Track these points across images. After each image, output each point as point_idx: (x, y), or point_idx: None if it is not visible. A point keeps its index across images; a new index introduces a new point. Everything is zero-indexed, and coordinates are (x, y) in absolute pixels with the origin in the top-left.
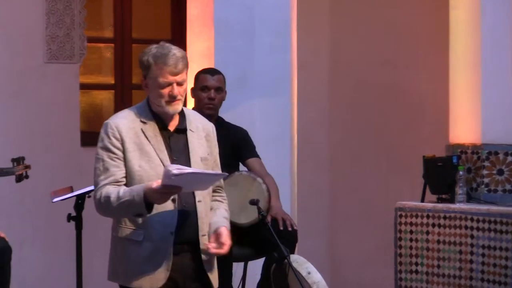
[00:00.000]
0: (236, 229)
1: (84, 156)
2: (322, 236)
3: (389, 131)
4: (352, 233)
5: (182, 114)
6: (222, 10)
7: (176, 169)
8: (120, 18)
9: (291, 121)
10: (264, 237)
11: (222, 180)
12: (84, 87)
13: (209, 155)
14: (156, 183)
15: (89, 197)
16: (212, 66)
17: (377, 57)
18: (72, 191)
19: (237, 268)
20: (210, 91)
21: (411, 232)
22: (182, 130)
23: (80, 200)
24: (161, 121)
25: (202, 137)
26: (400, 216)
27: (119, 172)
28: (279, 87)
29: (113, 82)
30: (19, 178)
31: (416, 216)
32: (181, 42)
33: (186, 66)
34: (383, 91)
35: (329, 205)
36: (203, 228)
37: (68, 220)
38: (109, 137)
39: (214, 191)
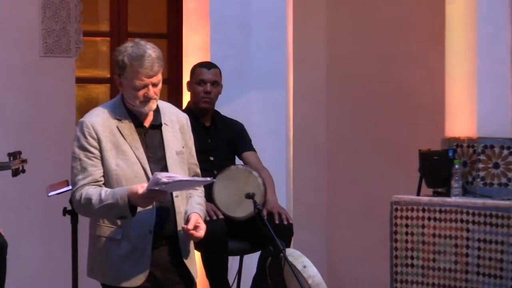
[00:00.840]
0: (232, 223)
1: None
2: (319, 230)
3: (386, 125)
4: (348, 227)
5: (156, 109)
6: (218, 4)
7: (165, 177)
8: (116, 11)
9: (287, 115)
10: (260, 231)
11: (198, 170)
12: (80, 81)
13: (184, 148)
14: (141, 187)
15: None
16: (208, 60)
17: (374, 51)
18: (68, 185)
19: (232, 262)
20: (206, 85)
21: (406, 225)
22: (157, 125)
23: None
24: (136, 118)
25: (176, 130)
26: (396, 210)
27: (97, 171)
28: (275, 81)
29: (109, 76)
30: (16, 173)
31: (412, 210)
32: (177, 36)
33: (161, 66)
34: (381, 85)
35: (326, 199)
36: (181, 222)
37: (64, 214)
38: (85, 136)
39: None
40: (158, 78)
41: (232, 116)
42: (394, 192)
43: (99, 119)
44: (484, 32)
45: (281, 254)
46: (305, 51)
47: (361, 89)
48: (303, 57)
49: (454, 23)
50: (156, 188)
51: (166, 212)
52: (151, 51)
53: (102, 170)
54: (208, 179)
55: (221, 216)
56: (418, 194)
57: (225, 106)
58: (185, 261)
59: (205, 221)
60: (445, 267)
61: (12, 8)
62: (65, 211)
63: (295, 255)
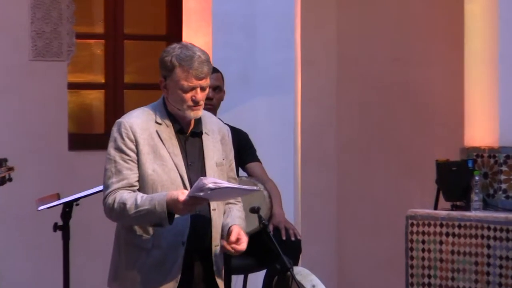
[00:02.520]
0: None
1: (72, 161)
2: (328, 245)
3: (400, 132)
4: (360, 241)
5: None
6: (221, 3)
7: (211, 182)
8: (111, 12)
9: (295, 121)
10: (265, 248)
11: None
12: (73, 86)
13: (225, 160)
14: (181, 193)
15: (77, 205)
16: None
17: (387, 53)
18: (58, 198)
19: (236, 280)
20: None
21: (423, 242)
22: (197, 133)
23: (67, 208)
24: (177, 124)
25: (217, 141)
26: (412, 224)
27: (132, 175)
28: (282, 85)
29: (103, 81)
30: (2, 181)
31: (429, 225)
32: (177, 38)
33: (210, 69)
34: (394, 89)
35: (336, 211)
36: (217, 237)
37: (55, 230)
38: (122, 138)
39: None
40: (207, 81)
41: (235, 123)
42: (409, 205)
43: (138, 121)
44: (506, 33)
45: (289, 272)
46: (313, 53)
47: (373, 93)
48: (312, 59)
49: (473, 24)
50: (201, 194)
51: (201, 223)
52: (200, 53)
53: (137, 175)
54: (255, 187)
55: None
56: (435, 207)
57: (228, 113)
58: (216, 278)
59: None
60: (464, 287)
61: None
62: (56, 227)
63: (303, 274)
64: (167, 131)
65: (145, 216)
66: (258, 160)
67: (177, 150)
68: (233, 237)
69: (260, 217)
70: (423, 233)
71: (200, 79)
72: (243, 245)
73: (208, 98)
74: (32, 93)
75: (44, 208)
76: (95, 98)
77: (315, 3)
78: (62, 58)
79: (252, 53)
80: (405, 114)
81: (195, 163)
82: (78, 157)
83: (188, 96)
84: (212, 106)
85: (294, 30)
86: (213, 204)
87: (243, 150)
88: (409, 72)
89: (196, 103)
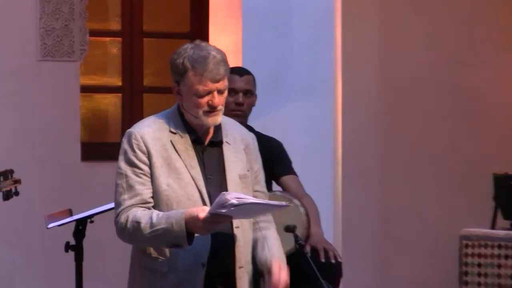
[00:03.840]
0: None
1: (85, 173)
2: (372, 268)
3: (451, 142)
4: (407, 264)
5: (217, 124)
6: None
7: (235, 198)
8: (128, 6)
9: (334, 130)
10: (302, 271)
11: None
12: (86, 89)
13: (249, 171)
14: (201, 210)
15: (91, 222)
16: (239, 64)
17: (437, 53)
18: (70, 214)
19: None
20: (237, 94)
21: (479, 265)
22: (216, 143)
23: (80, 226)
24: (194, 132)
25: (240, 150)
26: (466, 246)
27: (146, 191)
28: (319, 89)
29: (120, 84)
30: (7, 196)
31: (485, 246)
32: (202, 36)
33: (227, 70)
34: (444, 94)
35: (381, 230)
36: (241, 258)
37: (66, 250)
38: (133, 150)
39: None
40: (224, 83)
41: (268, 132)
42: (463, 224)
43: (150, 130)
44: None
45: None
46: (355, 53)
47: (420, 100)
48: (353, 61)
49: None
50: (223, 211)
51: (223, 243)
52: (215, 52)
53: (151, 190)
54: (284, 203)
55: None
56: (493, 227)
57: (260, 120)
58: None
59: None
60: None
61: (4, 3)
62: (67, 247)
63: None
64: (182, 141)
65: (161, 236)
66: (294, 173)
67: (194, 162)
68: (275, 277)
69: (296, 237)
70: (479, 255)
71: (217, 81)
72: (284, 277)
73: (238, 104)
74: (40, 97)
75: (55, 226)
76: (111, 102)
77: None
78: (73, 58)
79: (286, 53)
80: (458, 122)
81: (214, 176)
82: (92, 169)
83: (204, 101)
84: (242, 112)
85: (333, 28)
86: (236, 221)
87: (277, 161)
88: (462, 75)
89: (213, 108)
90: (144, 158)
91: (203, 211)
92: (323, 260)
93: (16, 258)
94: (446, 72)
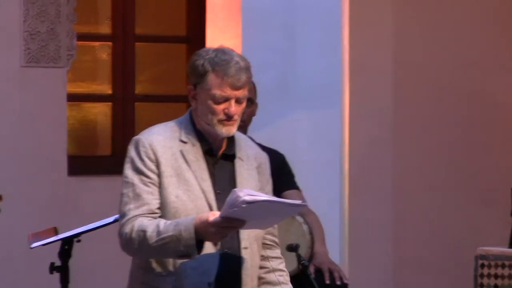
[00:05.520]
0: None
1: (73, 188)
2: None
3: (471, 153)
4: (421, 286)
5: (231, 137)
6: None
7: (247, 194)
8: (120, 8)
9: (342, 141)
10: None
11: (276, 227)
12: (73, 98)
13: (260, 191)
14: (211, 214)
15: (78, 241)
16: None
17: (457, 57)
18: (56, 233)
19: None
20: None
21: (495, 286)
22: (229, 156)
23: (66, 246)
24: (206, 143)
25: (253, 168)
26: (482, 266)
27: (154, 200)
28: (327, 96)
29: (110, 92)
30: None
31: (503, 266)
32: (199, 39)
33: (250, 79)
34: (465, 102)
35: (392, 250)
36: (247, 282)
37: (51, 272)
38: (141, 157)
39: (263, 243)
40: (244, 93)
41: (270, 143)
42: (480, 242)
43: (160, 138)
44: None
45: None
46: (365, 57)
47: (438, 106)
48: (363, 65)
49: None
50: (235, 210)
51: (231, 262)
52: (239, 58)
53: (159, 201)
54: (301, 202)
55: None
56: (511, 245)
57: (261, 131)
58: None
59: None
60: None
61: None
62: (52, 268)
63: None
64: (194, 151)
65: (169, 245)
66: (297, 188)
67: (205, 174)
68: None
69: (299, 257)
70: (496, 276)
71: (237, 88)
72: None
73: None
74: (24, 106)
75: (39, 245)
76: (100, 112)
77: None
78: (60, 64)
79: (291, 58)
80: (479, 132)
81: (225, 192)
82: (80, 184)
83: (220, 108)
84: (242, 122)
85: (341, 30)
86: (244, 242)
87: (279, 175)
88: (484, 81)
89: (229, 117)
90: (153, 167)
91: (213, 216)
92: (328, 281)
93: None
94: (465, 78)
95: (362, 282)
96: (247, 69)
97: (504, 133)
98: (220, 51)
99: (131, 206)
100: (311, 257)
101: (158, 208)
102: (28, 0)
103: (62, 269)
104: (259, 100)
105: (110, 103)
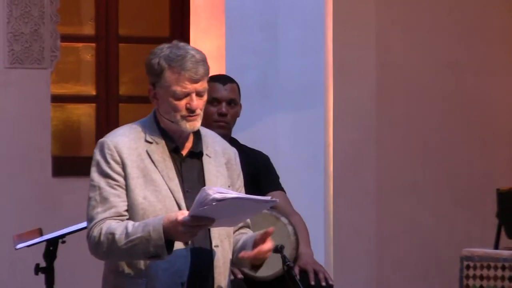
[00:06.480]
0: (254, 284)
1: (57, 189)
2: None
3: (453, 155)
4: (405, 286)
5: (197, 134)
6: None
7: (217, 192)
8: (103, 9)
9: (326, 142)
10: None
11: (249, 220)
12: (57, 99)
13: (230, 187)
14: (180, 214)
15: (63, 242)
16: (223, 72)
17: (438, 58)
18: (41, 234)
19: None
20: (220, 104)
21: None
22: (196, 154)
23: (51, 247)
24: (172, 141)
25: (221, 164)
26: (467, 267)
27: (121, 203)
28: (311, 97)
29: (94, 92)
30: None
31: (488, 268)
32: (183, 40)
33: (207, 71)
34: (447, 103)
35: (376, 251)
36: (220, 280)
37: (36, 273)
38: (106, 160)
39: (236, 231)
40: (204, 85)
41: (253, 144)
42: (465, 243)
43: (125, 140)
44: None
45: None
46: (348, 59)
47: (420, 108)
48: (346, 66)
49: None
50: (205, 208)
51: (202, 262)
52: (194, 52)
53: (126, 203)
54: (272, 198)
55: (239, 276)
56: (496, 246)
57: (244, 132)
58: None
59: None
60: None
61: None
62: (37, 269)
63: None
64: (159, 151)
65: (138, 247)
66: (282, 189)
67: (172, 173)
68: (258, 235)
69: (284, 258)
70: (481, 277)
71: (195, 81)
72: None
73: (221, 114)
74: (8, 107)
75: (24, 247)
76: (84, 113)
77: None
78: (44, 65)
79: (273, 58)
80: (461, 132)
81: (193, 190)
82: (64, 185)
83: (181, 104)
84: (226, 123)
85: (324, 31)
86: (215, 240)
87: (263, 176)
88: (465, 82)
89: (192, 112)
90: (119, 169)
91: (182, 215)
92: (313, 282)
93: None
94: (448, 79)
95: (346, 283)
96: (204, 61)
97: (487, 135)
98: (175, 46)
99: (99, 209)
100: (296, 258)
101: (126, 211)
102: (11, 1)
103: (47, 270)
104: (242, 100)
105: (94, 104)
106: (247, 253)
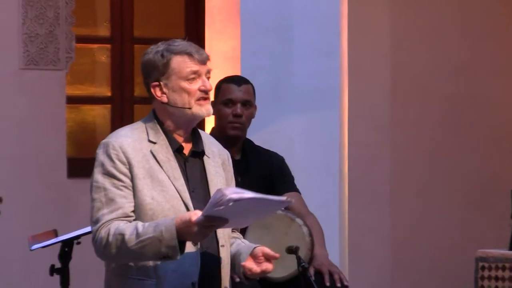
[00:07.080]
0: (269, 285)
1: (72, 191)
2: None
3: (467, 156)
4: None
5: (196, 134)
6: (250, 0)
7: (233, 193)
8: (118, 11)
9: (341, 145)
10: None
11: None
12: (72, 100)
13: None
14: (193, 214)
15: (78, 243)
16: (237, 73)
17: (452, 61)
18: (56, 235)
19: None
20: (235, 105)
21: None
22: (198, 153)
23: (66, 248)
24: (175, 142)
25: (219, 165)
26: (482, 268)
27: (128, 204)
28: (324, 99)
29: (109, 94)
30: None
31: (503, 269)
32: (197, 42)
33: (208, 56)
34: (460, 104)
35: (390, 252)
36: (225, 279)
37: (51, 274)
38: (112, 160)
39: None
40: (209, 68)
41: (268, 146)
42: (479, 245)
43: (129, 140)
44: None
45: None
46: (363, 61)
47: (434, 110)
48: (361, 69)
49: None
50: (221, 208)
51: (210, 263)
52: (192, 43)
53: (133, 204)
54: (287, 198)
55: (237, 280)
56: (511, 248)
57: (260, 133)
58: None
59: (233, 284)
60: None
61: None
62: (53, 270)
63: None
64: (164, 151)
65: (149, 247)
66: (297, 190)
67: (177, 173)
68: (258, 251)
69: (299, 259)
70: (496, 278)
71: (203, 62)
72: (270, 265)
73: (236, 115)
74: (23, 109)
75: (39, 248)
76: (99, 114)
77: (365, 1)
78: (59, 67)
79: (287, 60)
80: (474, 134)
81: (198, 190)
82: (79, 186)
83: (194, 88)
84: (241, 124)
85: (339, 34)
86: (221, 240)
87: (278, 178)
88: (478, 84)
89: (206, 92)
90: (125, 170)
91: (195, 215)
92: (328, 284)
93: None
94: (461, 81)
95: (361, 284)
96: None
97: (500, 137)
98: (168, 42)
99: (105, 211)
100: (311, 259)
101: (133, 212)
102: (27, 2)
103: (62, 271)
104: (257, 102)
105: (109, 105)
106: (253, 268)
